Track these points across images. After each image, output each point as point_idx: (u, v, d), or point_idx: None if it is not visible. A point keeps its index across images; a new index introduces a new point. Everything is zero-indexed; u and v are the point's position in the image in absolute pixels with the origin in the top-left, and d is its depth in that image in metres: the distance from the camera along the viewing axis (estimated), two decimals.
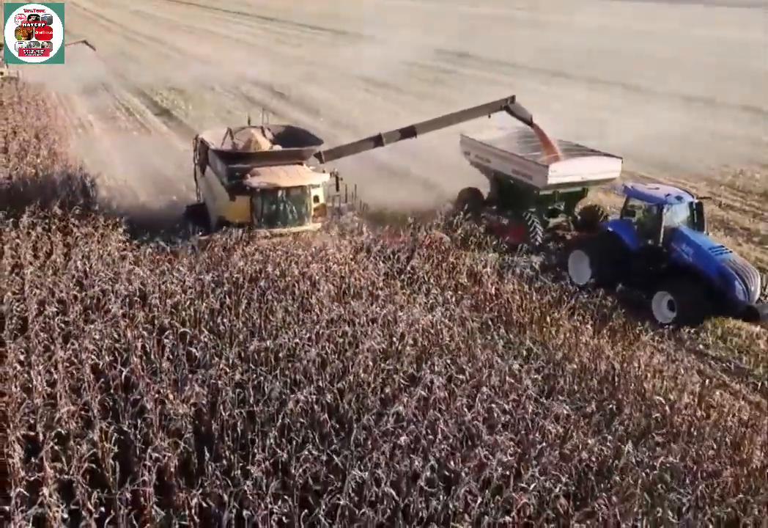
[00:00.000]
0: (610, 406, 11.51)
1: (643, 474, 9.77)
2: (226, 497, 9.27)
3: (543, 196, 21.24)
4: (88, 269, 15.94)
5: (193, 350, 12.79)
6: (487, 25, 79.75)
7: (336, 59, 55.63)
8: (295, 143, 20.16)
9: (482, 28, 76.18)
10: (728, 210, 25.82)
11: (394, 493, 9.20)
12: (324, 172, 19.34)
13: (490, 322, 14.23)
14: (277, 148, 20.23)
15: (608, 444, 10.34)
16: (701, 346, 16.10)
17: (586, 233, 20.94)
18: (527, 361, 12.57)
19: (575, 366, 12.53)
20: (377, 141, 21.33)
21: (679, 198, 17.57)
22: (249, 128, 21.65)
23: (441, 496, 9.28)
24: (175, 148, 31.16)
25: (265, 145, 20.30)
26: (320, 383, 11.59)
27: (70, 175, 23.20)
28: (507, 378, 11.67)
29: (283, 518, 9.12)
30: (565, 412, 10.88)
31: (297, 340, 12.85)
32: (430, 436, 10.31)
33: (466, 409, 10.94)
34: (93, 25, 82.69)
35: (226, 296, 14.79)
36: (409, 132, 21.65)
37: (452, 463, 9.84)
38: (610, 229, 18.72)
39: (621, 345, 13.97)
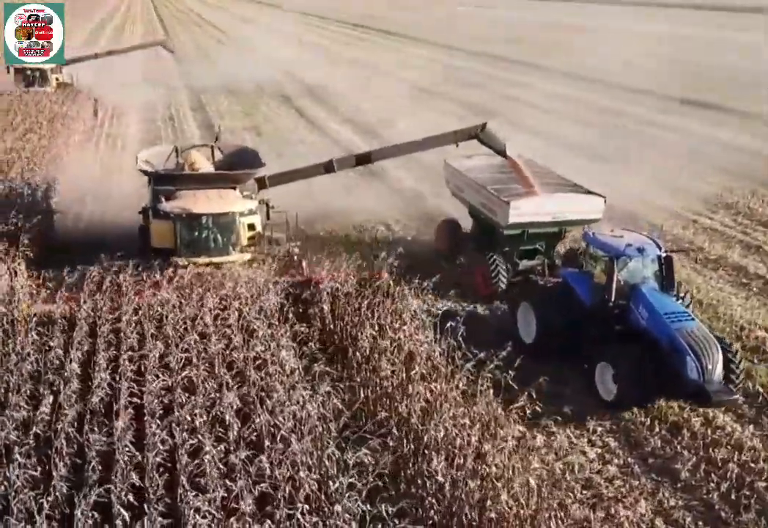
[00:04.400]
0: None
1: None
2: None
3: (512, 236, 18.50)
4: None
5: None
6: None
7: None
8: (244, 165, 18.90)
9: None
10: None
11: None
12: (252, 198, 17.75)
13: None
14: (209, 170, 18.92)
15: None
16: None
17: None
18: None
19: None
20: (328, 167, 19.54)
21: (641, 250, 14.70)
22: (199, 146, 20.59)
23: None
24: None
25: (204, 166, 18.97)
26: None
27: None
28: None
29: None
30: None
31: None
32: None
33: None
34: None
35: None
36: (364, 159, 20.29)
37: None
38: (565, 279, 15.88)
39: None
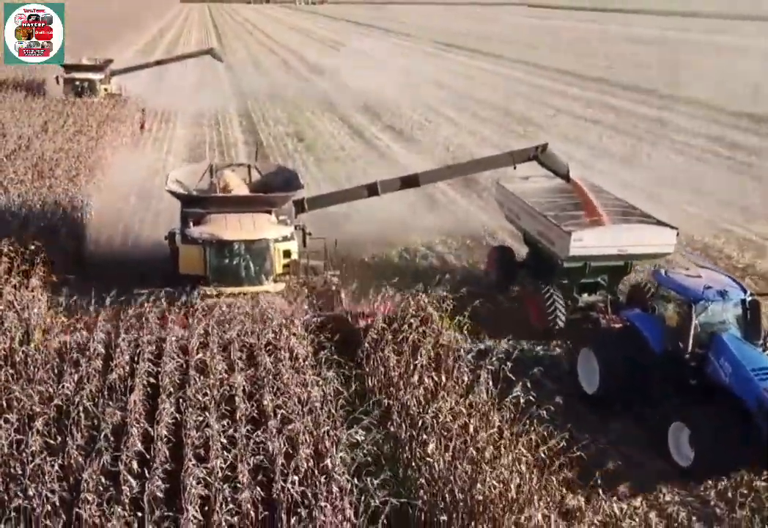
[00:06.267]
0: None
1: None
2: None
3: (571, 268, 16.83)
4: None
5: None
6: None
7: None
8: (282, 187, 17.76)
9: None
10: None
11: None
12: (288, 224, 16.68)
13: None
14: (243, 192, 17.91)
15: None
16: None
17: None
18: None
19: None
20: (371, 189, 18.35)
21: (722, 293, 12.90)
22: (235, 166, 19.87)
23: None
24: None
25: (238, 187, 17.98)
26: None
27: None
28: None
29: None
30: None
31: None
32: None
33: None
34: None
35: None
36: (411, 181, 18.90)
37: None
38: (632, 323, 14.07)
39: None
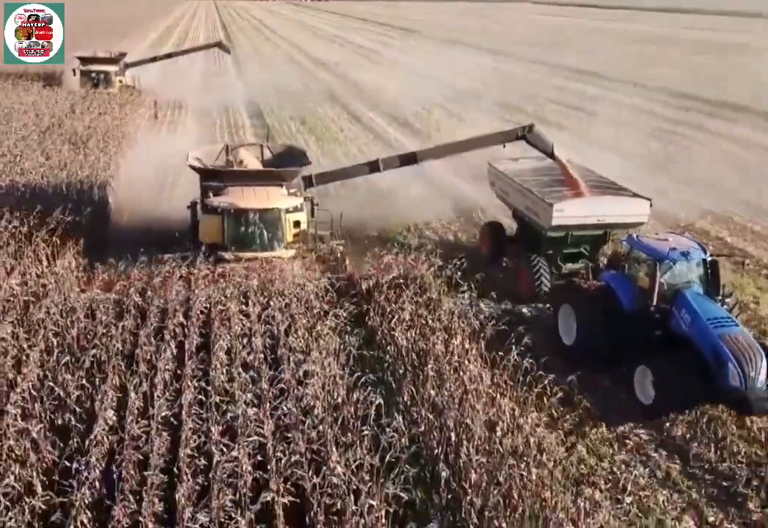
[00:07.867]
0: None
1: None
2: None
3: (555, 238, 18.52)
4: None
5: None
6: None
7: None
8: (291, 164, 19.57)
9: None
10: None
11: None
12: (298, 195, 18.36)
13: None
14: (258, 167, 19.79)
15: None
16: None
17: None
18: None
19: None
20: (373, 167, 20.22)
21: (685, 253, 14.70)
22: (248, 145, 21.84)
23: None
24: None
25: (252, 163, 19.86)
26: None
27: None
28: None
29: None
30: None
31: None
32: None
33: None
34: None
35: None
36: (409, 159, 20.75)
37: None
38: (607, 282, 15.80)
39: None
